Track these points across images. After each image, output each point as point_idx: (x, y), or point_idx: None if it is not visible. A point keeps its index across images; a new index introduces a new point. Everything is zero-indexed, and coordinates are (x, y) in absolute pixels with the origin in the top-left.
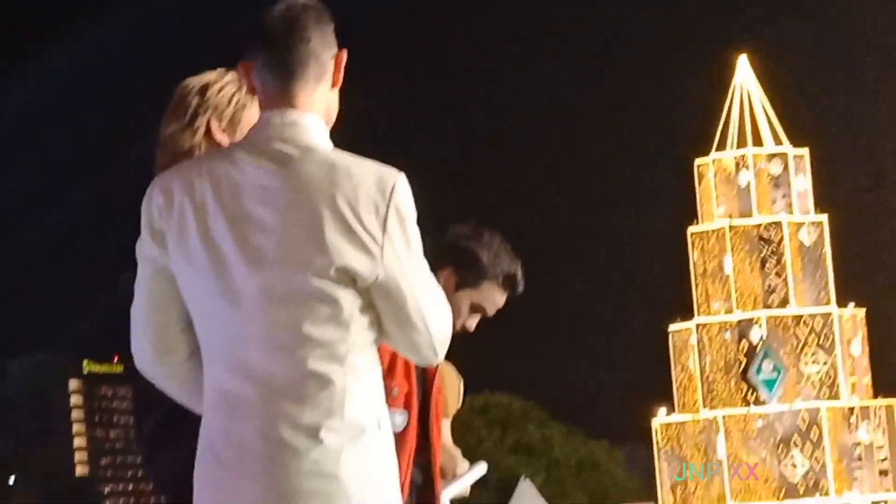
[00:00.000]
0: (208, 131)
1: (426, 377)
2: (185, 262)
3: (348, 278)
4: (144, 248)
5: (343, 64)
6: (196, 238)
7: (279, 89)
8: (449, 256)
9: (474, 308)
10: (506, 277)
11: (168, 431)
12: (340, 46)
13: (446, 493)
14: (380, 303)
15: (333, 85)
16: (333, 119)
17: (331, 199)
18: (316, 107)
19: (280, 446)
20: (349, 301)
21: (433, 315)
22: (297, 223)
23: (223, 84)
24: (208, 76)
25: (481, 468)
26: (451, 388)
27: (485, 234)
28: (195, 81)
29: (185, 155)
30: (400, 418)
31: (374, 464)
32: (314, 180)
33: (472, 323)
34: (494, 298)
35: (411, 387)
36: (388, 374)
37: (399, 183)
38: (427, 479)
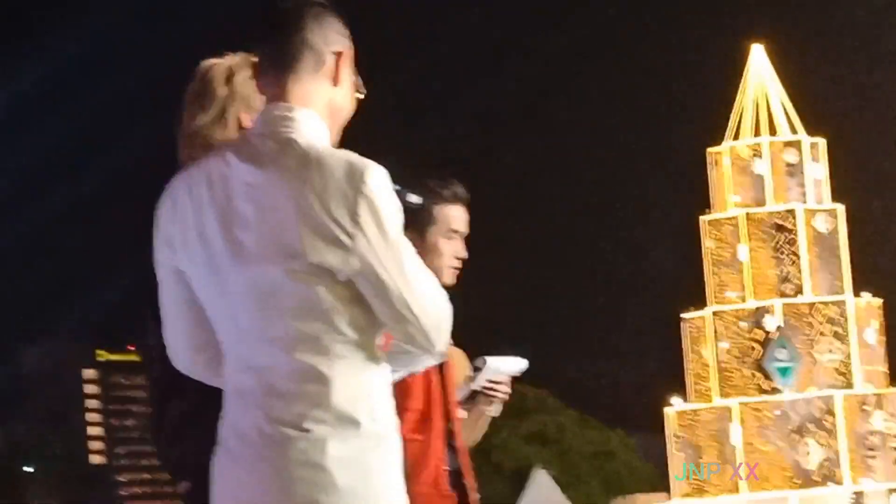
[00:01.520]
0: (239, 123)
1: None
2: (190, 262)
3: (325, 272)
4: (158, 254)
5: (345, 62)
6: (195, 239)
7: (274, 80)
8: None
9: (448, 236)
10: (446, 194)
11: (194, 419)
12: (354, 47)
13: (491, 362)
14: (366, 295)
15: (335, 83)
16: (342, 119)
17: (301, 193)
18: (313, 101)
19: (272, 437)
20: (329, 294)
21: (421, 304)
22: (273, 218)
23: (249, 73)
24: (230, 60)
25: (524, 362)
26: (458, 371)
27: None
28: (218, 69)
29: (213, 148)
30: (523, 364)
31: (366, 455)
32: (288, 174)
33: (458, 248)
34: (453, 216)
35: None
36: None
37: (369, 172)
38: (458, 462)
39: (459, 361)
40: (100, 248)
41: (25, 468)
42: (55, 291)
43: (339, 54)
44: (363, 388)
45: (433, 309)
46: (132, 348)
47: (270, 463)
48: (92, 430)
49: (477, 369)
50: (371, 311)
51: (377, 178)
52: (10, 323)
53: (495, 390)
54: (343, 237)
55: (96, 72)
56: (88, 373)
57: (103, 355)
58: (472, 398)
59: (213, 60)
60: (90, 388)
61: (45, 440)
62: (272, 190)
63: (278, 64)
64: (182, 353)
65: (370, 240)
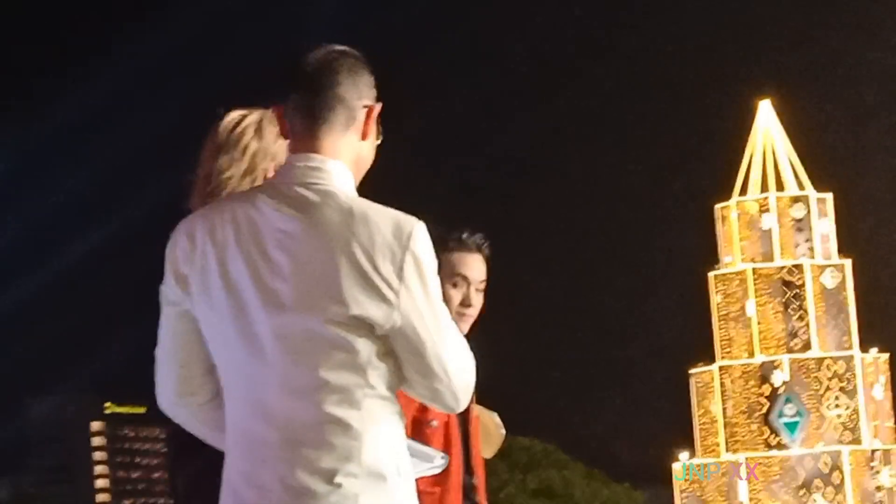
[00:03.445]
0: (265, 178)
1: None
2: (207, 305)
3: (365, 325)
4: (168, 292)
5: (375, 116)
6: (217, 282)
7: (305, 132)
8: None
9: (454, 282)
10: (452, 243)
11: (210, 475)
12: (379, 100)
13: None
14: (399, 350)
15: (363, 136)
16: (364, 170)
17: (347, 245)
18: (342, 154)
19: (298, 491)
20: (366, 347)
21: (453, 363)
22: (314, 269)
23: (277, 129)
24: (259, 114)
25: None
26: (489, 432)
27: None
28: (248, 121)
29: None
30: (441, 460)
31: None
32: (331, 226)
33: (467, 295)
34: (460, 263)
35: (450, 417)
36: (423, 406)
37: (416, 230)
38: None
39: (487, 421)
40: (109, 302)
41: None
42: (64, 344)
43: (369, 108)
44: (390, 442)
45: (464, 371)
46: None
47: None
48: (98, 483)
49: None
50: (399, 367)
51: (423, 236)
52: (18, 375)
53: None
54: (388, 293)
55: (111, 125)
56: (96, 425)
57: (111, 407)
58: None
59: (240, 112)
60: (97, 441)
61: (51, 492)
62: (312, 241)
63: (311, 116)
64: (169, 394)
65: (414, 297)
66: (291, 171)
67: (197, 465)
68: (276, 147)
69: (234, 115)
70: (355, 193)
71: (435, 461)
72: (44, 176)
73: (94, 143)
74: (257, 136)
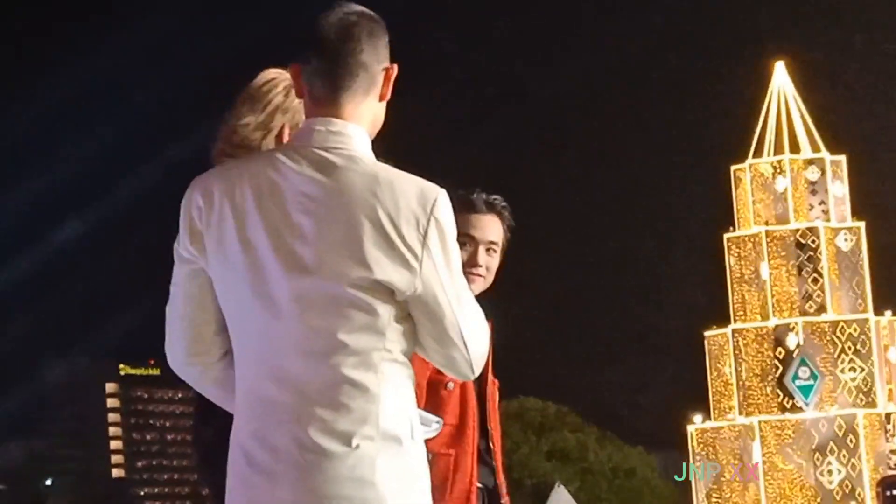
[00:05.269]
0: (280, 134)
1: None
2: (223, 265)
3: (386, 290)
4: (182, 250)
5: (393, 78)
6: (235, 242)
7: (327, 97)
8: None
9: (462, 245)
10: (458, 203)
11: (226, 441)
12: (393, 61)
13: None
14: (418, 316)
15: (381, 98)
16: (377, 131)
17: (372, 210)
18: (362, 118)
19: (315, 452)
20: (386, 311)
21: (470, 331)
22: (337, 233)
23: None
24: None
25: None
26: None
27: None
28: (281, 78)
29: (250, 150)
30: (436, 424)
31: (409, 473)
32: (356, 191)
33: (471, 254)
34: (466, 224)
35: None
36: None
37: (440, 198)
38: (495, 480)
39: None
40: (124, 264)
41: (46, 482)
42: (79, 306)
43: (387, 71)
44: (405, 405)
45: (480, 340)
46: (153, 362)
47: (312, 477)
48: (113, 445)
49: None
50: (414, 331)
51: (446, 204)
52: (33, 338)
53: None
54: (411, 259)
55: (125, 93)
56: (110, 387)
57: (125, 369)
58: None
59: (277, 70)
60: (111, 402)
61: (66, 453)
62: (337, 204)
63: (332, 83)
64: (180, 353)
65: (436, 264)
66: (312, 134)
67: (217, 426)
68: (299, 107)
69: (271, 72)
70: (373, 157)
71: (432, 425)
72: (60, 139)
73: (107, 107)
74: (285, 93)
